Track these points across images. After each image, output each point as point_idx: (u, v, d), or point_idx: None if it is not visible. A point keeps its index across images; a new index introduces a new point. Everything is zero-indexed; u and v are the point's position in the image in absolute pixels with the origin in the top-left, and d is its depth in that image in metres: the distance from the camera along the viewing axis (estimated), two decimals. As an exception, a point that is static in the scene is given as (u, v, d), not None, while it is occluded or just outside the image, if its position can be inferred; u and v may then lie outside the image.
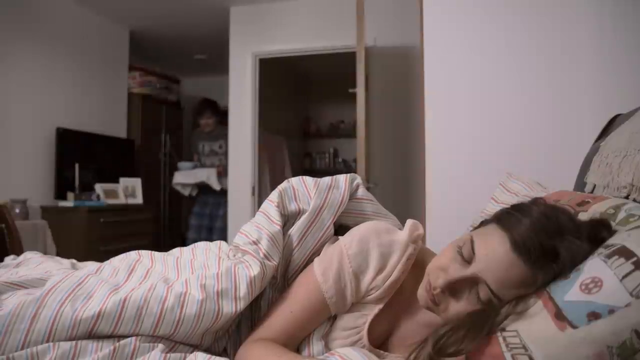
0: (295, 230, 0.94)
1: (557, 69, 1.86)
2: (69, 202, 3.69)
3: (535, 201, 0.77)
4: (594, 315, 0.60)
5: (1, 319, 0.74)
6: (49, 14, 3.81)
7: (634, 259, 0.62)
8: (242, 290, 0.84)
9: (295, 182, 1.01)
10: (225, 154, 4.31)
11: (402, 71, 3.62)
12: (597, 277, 0.63)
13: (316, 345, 0.84)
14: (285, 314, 0.86)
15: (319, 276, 0.86)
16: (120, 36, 4.67)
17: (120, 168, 4.32)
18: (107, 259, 1.06)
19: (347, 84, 3.73)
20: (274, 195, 0.98)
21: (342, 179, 1.01)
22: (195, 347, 0.84)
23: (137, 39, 4.87)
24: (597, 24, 1.76)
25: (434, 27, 2.03)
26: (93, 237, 3.62)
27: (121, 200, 4.09)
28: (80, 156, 3.93)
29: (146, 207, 4.30)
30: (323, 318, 0.87)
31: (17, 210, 3.27)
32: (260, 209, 0.98)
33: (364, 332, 0.83)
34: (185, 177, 4.25)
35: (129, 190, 4.22)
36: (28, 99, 3.63)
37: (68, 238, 3.54)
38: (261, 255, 0.89)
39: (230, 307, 0.83)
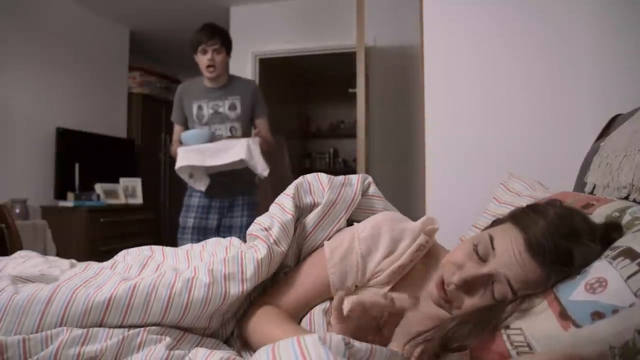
0: (309, 221, 0.97)
1: (557, 69, 1.86)
2: (69, 202, 3.69)
3: (551, 202, 0.78)
4: (597, 315, 0.60)
5: (19, 301, 0.77)
6: (49, 14, 3.81)
7: (639, 259, 0.63)
8: (249, 271, 0.87)
9: (310, 177, 1.04)
10: (242, 120, 2.60)
11: (402, 71, 3.63)
12: (602, 277, 0.64)
13: (318, 319, 0.86)
14: (290, 288, 0.90)
15: (327, 253, 0.89)
16: (120, 36, 4.67)
17: (120, 168, 4.32)
18: (107, 259, 1.06)
19: (347, 84, 3.73)
20: (290, 189, 1.01)
21: (355, 177, 1.05)
22: (203, 330, 0.87)
23: (137, 39, 4.87)
24: (597, 24, 1.76)
25: (434, 27, 2.03)
26: (93, 237, 3.61)
27: (121, 200, 4.09)
28: (80, 156, 3.93)
29: (146, 207, 4.29)
30: (326, 295, 0.89)
31: (17, 210, 3.27)
32: (275, 201, 1.01)
33: None
34: (201, 155, 2.36)
35: (129, 190, 4.21)
36: (28, 99, 3.62)
37: (68, 238, 3.54)
38: (271, 240, 0.91)
39: (237, 289, 0.85)
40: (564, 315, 0.63)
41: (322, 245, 0.96)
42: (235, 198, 2.61)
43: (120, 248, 1.08)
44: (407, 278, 0.88)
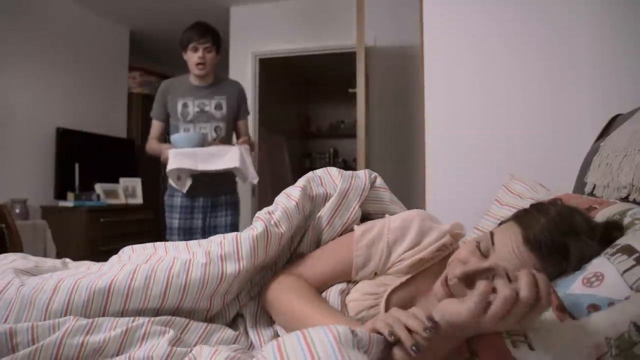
0: (325, 211, 1.02)
1: (557, 69, 1.86)
2: (69, 202, 3.69)
3: (553, 201, 0.81)
4: (593, 307, 0.61)
5: (25, 293, 0.81)
6: (49, 14, 3.81)
7: (636, 255, 0.64)
8: (245, 249, 0.89)
9: (320, 171, 1.10)
10: (227, 120, 2.61)
11: (402, 71, 3.63)
12: (599, 272, 0.65)
13: (333, 298, 0.89)
14: (314, 262, 0.94)
15: (357, 236, 0.93)
16: (120, 36, 4.67)
17: (120, 168, 4.32)
18: (107, 259, 1.06)
19: (347, 84, 3.73)
20: (300, 181, 1.05)
21: (361, 171, 1.10)
22: (205, 313, 0.90)
23: (137, 39, 4.87)
24: (597, 24, 1.76)
25: (434, 27, 2.03)
26: (93, 237, 3.61)
27: (121, 200, 4.09)
28: (80, 156, 3.93)
29: (146, 207, 4.29)
30: (346, 276, 0.92)
31: (17, 210, 3.27)
32: (283, 191, 1.04)
33: (383, 300, 0.87)
34: (193, 160, 2.37)
35: (129, 190, 4.21)
36: (28, 99, 3.62)
37: (68, 238, 3.53)
38: (272, 222, 0.95)
39: (233, 267, 0.88)
40: (560, 308, 0.64)
41: (341, 233, 1.01)
42: (217, 198, 2.61)
43: (120, 248, 1.09)
44: (424, 274, 0.91)
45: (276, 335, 0.90)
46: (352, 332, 0.60)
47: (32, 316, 0.79)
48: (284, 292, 0.88)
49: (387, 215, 1.01)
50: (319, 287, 0.92)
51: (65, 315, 0.79)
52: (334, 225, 1.01)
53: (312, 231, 1.01)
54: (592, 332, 0.60)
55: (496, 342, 0.62)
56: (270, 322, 0.94)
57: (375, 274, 0.93)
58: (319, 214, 1.02)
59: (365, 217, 1.08)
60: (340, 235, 1.01)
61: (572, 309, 0.63)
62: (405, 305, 0.88)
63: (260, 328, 0.91)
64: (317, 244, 1.02)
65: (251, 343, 0.89)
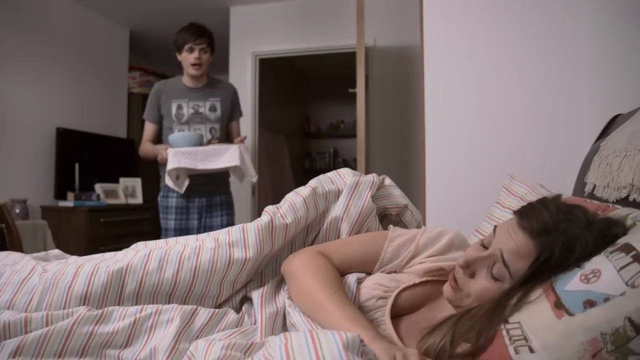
0: (339, 204, 1.08)
1: (557, 69, 1.86)
2: (69, 202, 3.69)
3: (556, 197, 0.84)
4: (589, 303, 0.62)
5: (49, 276, 0.87)
6: (49, 14, 3.81)
7: (634, 252, 0.65)
8: (251, 238, 0.95)
9: (331, 173, 1.17)
10: (221, 121, 2.64)
11: (402, 71, 3.63)
12: (596, 269, 0.66)
13: (349, 284, 0.91)
14: (344, 246, 0.98)
15: (391, 237, 0.98)
16: (120, 36, 4.67)
17: (120, 168, 4.32)
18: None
19: (347, 84, 3.73)
20: (311, 181, 1.11)
21: (369, 175, 1.16)
22: (215, 299, 0.96)
23: (137, 39, 4.87)
24: (596, 24, 1.76)
25: (434, 27, 2.03)
26: (93, 237, 3.61)
27: (121, 200, 4.09)
28: (80, 156, 3.93)
29: (146, 207, 4.29)
30: (368, 268, 0.96)
31: (17, 210, 3.28)
32: (294, 190, 1.09)
33: (392, 295, 0.88)
34: (193, 159, 2.35)
35: (129, 190, 4.21)
36: (28, 99, 3.63)
37: (68, 238, 3.54)
38: (278, 215, 1.00)
39: (240, 254, 0.94)
40: (558, 305, 0.65)
41: (358, 229, 1.06)
42: (212, 198, 2.63)
43: (120, 248, 1.10)
44: (438, 285, 0.92)
45: (282, 308, 0.92)
46: (361, 340, 0.61)
47: (54, 297, 0.84)
48: (307, 269, 0.89)
49: (423, 227, 1.04)
50: (342, 271, 0.95)
51: (86, 297, 0.85)
52: (349, 215, 1.06)
53: (328, 227, 1.06)
54: (588, 328, 0.60)
55: None
56: (277, 293, 0.97)
57: (395, 272, 0.96)
58: (333, 212, 1.07)
59: (381, 215, 1.14)
60: (358, 223, 1.06)
61: (568, 305, 0.64)
62: (411, 306, 0.90)
63: (265, 303, 0.93)
64: (337, 236, 1.07)
65: (255, 320, 0.91)
